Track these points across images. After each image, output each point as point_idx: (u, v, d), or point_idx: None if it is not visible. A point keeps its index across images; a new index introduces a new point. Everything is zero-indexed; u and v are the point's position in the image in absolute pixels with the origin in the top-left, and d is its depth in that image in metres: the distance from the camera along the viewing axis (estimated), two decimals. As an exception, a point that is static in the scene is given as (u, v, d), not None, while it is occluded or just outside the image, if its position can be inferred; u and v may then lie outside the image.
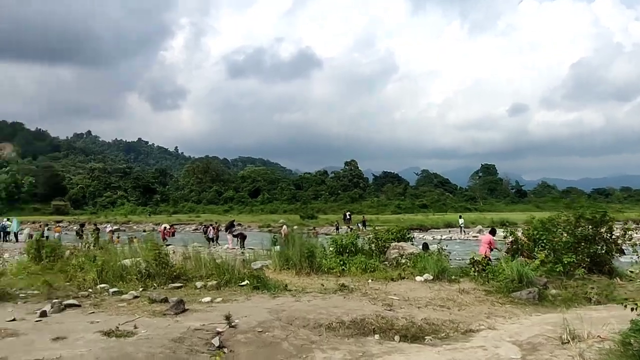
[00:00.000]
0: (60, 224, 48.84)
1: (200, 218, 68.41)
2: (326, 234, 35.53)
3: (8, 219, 36.61)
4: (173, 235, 33.70)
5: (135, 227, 57.08)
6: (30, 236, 33.45)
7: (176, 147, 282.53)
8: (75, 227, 40.17)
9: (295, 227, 33.26)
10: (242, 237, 27.19)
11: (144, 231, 37.11)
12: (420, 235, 35.48)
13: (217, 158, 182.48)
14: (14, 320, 7.24)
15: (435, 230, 49.06)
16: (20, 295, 9.27)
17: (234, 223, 32.40)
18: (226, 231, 29.66)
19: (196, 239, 25.46)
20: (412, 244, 15.66)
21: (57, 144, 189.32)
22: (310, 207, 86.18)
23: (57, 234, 27.56)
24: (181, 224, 56.25)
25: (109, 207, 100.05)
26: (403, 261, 13.04)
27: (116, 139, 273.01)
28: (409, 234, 17.05)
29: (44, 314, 7.48)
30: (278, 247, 20.52)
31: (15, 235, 33.16)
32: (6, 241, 32.07)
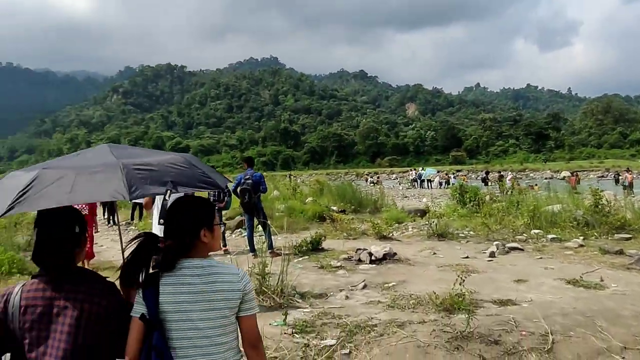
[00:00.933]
0: (460, 173, 52.45)
1: (604, 164, 60.67)
2: None
3: (423, 169, 41.72)
4: (578, 182, 30.96)
5: (531, 174, 55.69)
6: (441, 184, 37.15)
7: (569, 88, 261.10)
8: (477, 176, 42.36)
9: None
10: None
11: (546, 179, 35.49)
12: None
13: (618, 96, 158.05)
14: (467, 257, 7.67)
15: None
16: (460, 235, 9.91)
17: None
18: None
19: (603, 187, 22.35)
20: None
21: (450, 99, 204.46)
22: None
23: (462, 182, 29.44)
24: (583, 170, 51.35)
25: (501, 155, 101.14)
26: None
27: (504, 87, 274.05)
28: None
29: (492, 255, 7.64)
30: None
31: (429, 182, 37.45)
32: (422, 187, 36.72)
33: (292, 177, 41.62)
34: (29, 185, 1.69)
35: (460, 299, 4.88)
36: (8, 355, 1.69)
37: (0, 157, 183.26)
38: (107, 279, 1.85)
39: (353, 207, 15.95)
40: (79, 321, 1.67)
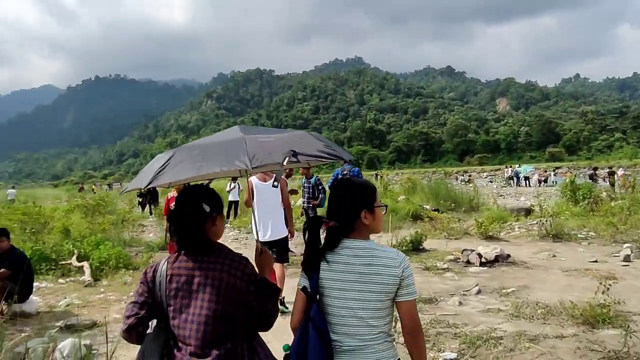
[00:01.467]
0: (560, 170, 48.76)
1: None
2: None
3: (519, 166, 39.15)
4: None
5: (644, 171, 50.47)
6: (539, 182, 34.66)
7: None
8: (579, 173, 39.07)
9: None
10: None
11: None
12: None
13: None
14: (595, 261, 6.74)
15: None
16: (579, 236, 8.86)
17: None
18: None
19: None
20: None
21: (545, 92, 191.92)
22: None
23: (573, 179, 27.09)
24: None
25: (605, 151, 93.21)
26: None
27: (607, 77, 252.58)
28: None
29: (627, 259, 6.64)
30: None
31: (526, 179, 35.04)
32: (519, 186, 34.44)
33: (379, 176, 40.96)
34: (167, 161, 1.89)
35: (604, 310, 4.13)
36: (154, 321, 1.82)
37: (111, 160, 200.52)
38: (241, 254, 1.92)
39: (448, 205, 15.15)
40: (218, 290, 1.77)
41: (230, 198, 16.31)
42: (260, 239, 5.24)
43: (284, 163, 1.83)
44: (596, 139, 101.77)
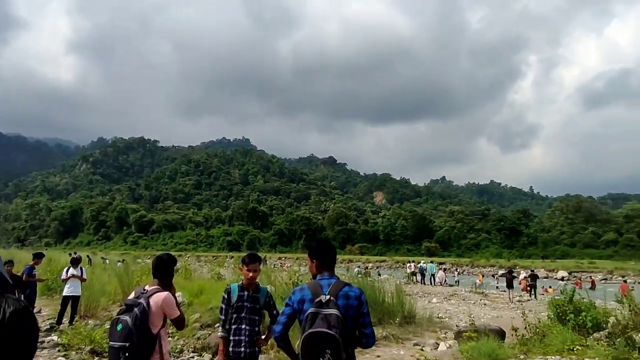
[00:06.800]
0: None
1: (603, 266, 53.84)
2: None
3: (424, 262, 36.84)
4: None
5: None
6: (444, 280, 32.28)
7: (530, 186, 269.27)
8: (484, 272, 37.95)
9: None
10: None
11: (563, 280, 31.30)
12: None
13: (580, 196, 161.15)
14: None
15: None
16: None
17: None
18: None
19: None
20: None
21: (417, 190, 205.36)
22: None
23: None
24: (581, 271, 47.42)
25: (473, 249, 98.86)
26: None
27: (468, 182, 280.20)
28: None
29: None
30: None
31: (432, 277, 32.63)
32: (424, 283, 31.78)
33: (266, 260, 36.03)
34: None
35: None
36: None
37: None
38: None
39: (375, 315, 10.81)
40: None
41: (67, 292, 10.53)
42: None
43: None
44: (465, 237, 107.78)
